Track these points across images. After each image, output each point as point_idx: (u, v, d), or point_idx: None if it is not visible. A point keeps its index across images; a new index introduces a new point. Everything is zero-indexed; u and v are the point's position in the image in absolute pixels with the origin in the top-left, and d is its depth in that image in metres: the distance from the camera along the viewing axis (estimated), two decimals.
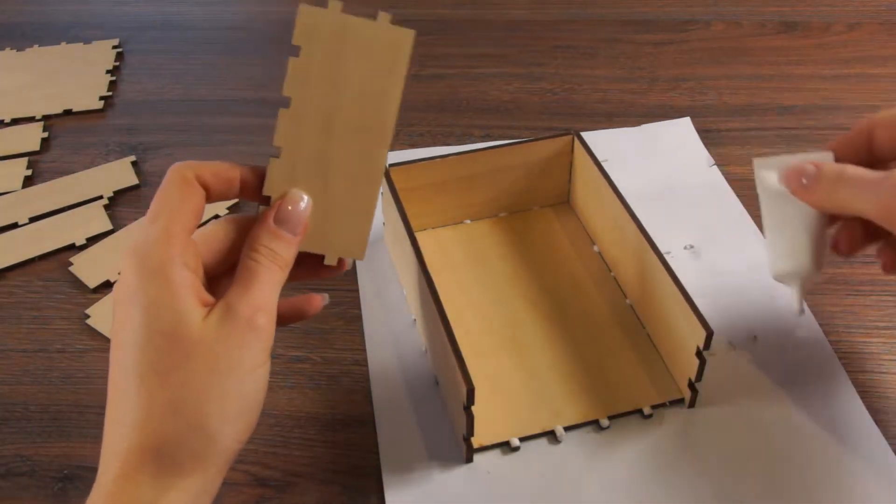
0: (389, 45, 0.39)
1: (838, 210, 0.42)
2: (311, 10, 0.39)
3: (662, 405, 0.50)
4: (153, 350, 0.34)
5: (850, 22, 0.88)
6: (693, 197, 0.65)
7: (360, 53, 0.39)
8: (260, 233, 0.38)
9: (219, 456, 0.35)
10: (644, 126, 0.73)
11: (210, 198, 0.38)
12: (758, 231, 0.61)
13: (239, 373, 0.34)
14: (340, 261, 0.41)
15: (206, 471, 0.34)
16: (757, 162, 0.46)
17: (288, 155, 0.40)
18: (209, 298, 0.36)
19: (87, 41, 0.89)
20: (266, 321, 0.36)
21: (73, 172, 0.71)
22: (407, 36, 0.40)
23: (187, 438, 0.33)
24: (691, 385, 0.49)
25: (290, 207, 0.39)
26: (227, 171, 0.38)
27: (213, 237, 0.38)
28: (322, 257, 0.40)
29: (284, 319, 0.41)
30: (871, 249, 0.46)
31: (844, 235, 0.45)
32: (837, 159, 0.43)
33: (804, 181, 0.42)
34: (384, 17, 0.39)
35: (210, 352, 0.34)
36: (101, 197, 0.68)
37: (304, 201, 0.39)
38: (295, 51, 0.40)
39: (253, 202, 0.40)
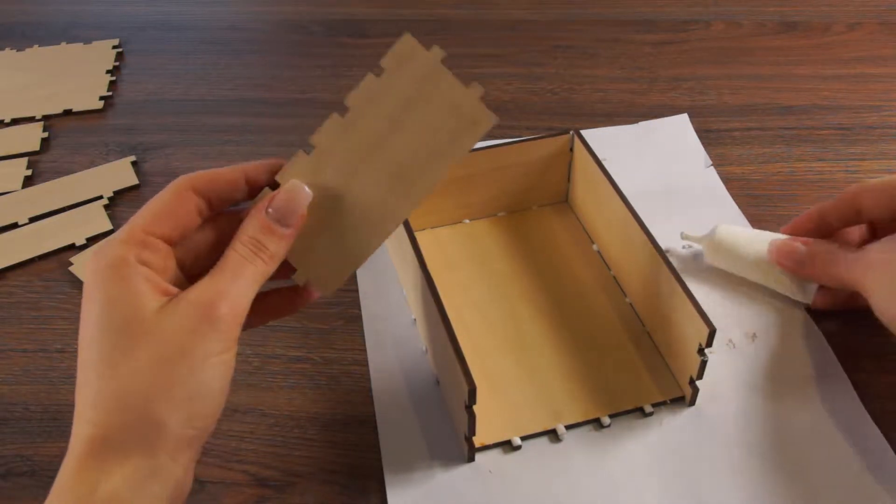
0: (468, 118, 0.38)
1: (830, 283, 0.51)
2: (413, 44, 0.38)
3: (663, 403, 0.50)
4: (107, 343, 0.34)
5: (850, 22, 0.88)
6: (691, 196, 0.65)
7: (437, 109, 0.38)
8: (248, 223, 0.37)
9: (167, 442, 0.34)
10: (642, 123, 0.73)
11: (213, 205, 0.38)
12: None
13: (190, 360, 0.34)
14: (307, 290, 0.40)
15: (153, 456, 0.34)
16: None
17: (318, 156, 0.38)
18: (173, 290, 0.36)
19: (87, 41, 0.89)
20: (228, 310, 0.35)
21: (73, 172, 0.71)
22: (487, 120, 0.38)
23: (132, 426, 0.34)
24: (692, 383, 0.49)
25: (286, 197, 0.37)
26: (225, 175, 0.38)
27: (200, 238, 0.38)
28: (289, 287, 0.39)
29: (275, 311, 0.41)
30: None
31: (820, 299, 0.54)
32: (823, 225, 0.53)
33: (798, 259, 0.51)
34: (476, 89, 0.38)
35: (159, 339, 0.34)
36: (101, 197, 0.68)
37: (305, 194, 0.38)
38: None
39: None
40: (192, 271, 0.38)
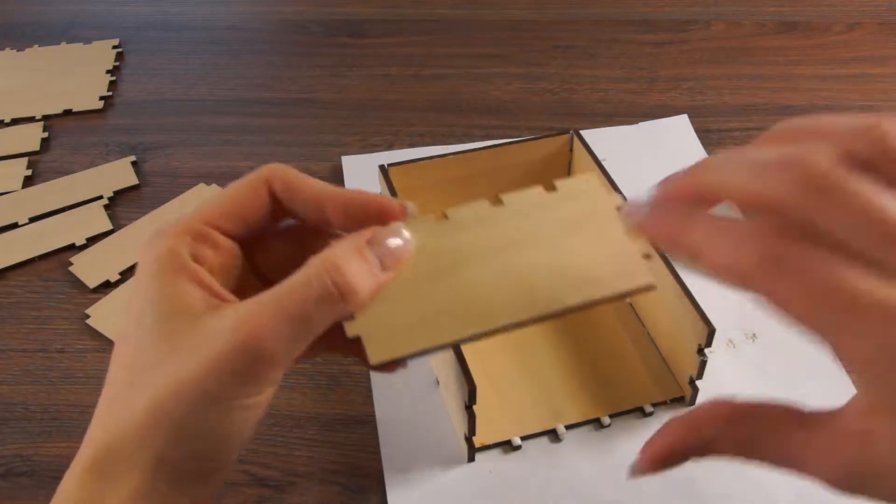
0: (625, 268, 0.34)
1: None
2: (597, 184, 0.35)
3: (663, 403, 0.50)
4: (137, 348, 0.29)
5: (850, 22, 0.88)
6: None
7: (595, 246, 0.34)
8: (340, 246, 0.29)
9: (165, 473, 0.29)
10: (642, 124, 0.73)
11: (287, 212, 0.32)
12: None
13: (209, 397, 0.28)
14: (360, 349, 0.30)
15: (151, 482, 0.29)
16: None
17: (445, 226, 0.33)
18: (227, 296, 0.30)
19: (87, 41, 0.89)
20: (273, 348, 0.28)
21: (73, 172, 0.71)
22: (645, 285, 0.33)
23: (118, 449, 0.28)
24: (692, 383, 0.49)
25: (391, 238, 0.31)
26: (313, 187, 0.32)
27: (279, 247, 0.33)
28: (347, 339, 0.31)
29: (330, 344, 0.32)
30: None
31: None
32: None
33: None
34: (644, 246, 0.33)
35: (182, 360, 0.28)
36: (101, 197, 0.68)
37: (409, 240, 0.31)
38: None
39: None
40: (270, 279, 0.32)
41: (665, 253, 0.30)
